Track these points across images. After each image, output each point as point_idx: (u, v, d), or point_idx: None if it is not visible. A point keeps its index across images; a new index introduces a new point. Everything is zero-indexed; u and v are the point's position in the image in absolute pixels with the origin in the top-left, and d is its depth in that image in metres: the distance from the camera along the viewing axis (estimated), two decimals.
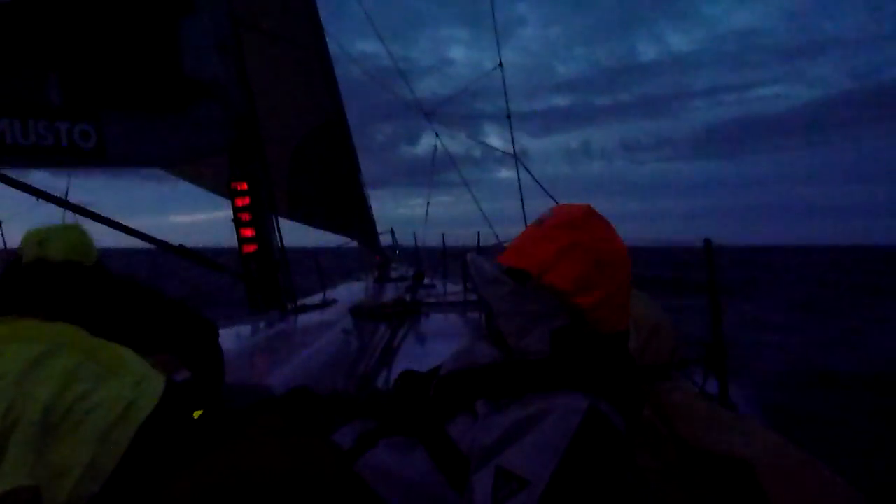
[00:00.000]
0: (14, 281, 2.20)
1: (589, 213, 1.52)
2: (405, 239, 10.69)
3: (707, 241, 2.48)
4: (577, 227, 1.48)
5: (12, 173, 3.90)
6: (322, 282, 7.38)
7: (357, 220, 9.14)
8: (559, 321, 1.44)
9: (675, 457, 1.83)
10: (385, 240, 9.98)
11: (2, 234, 5.87)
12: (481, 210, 7.36)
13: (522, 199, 5.76)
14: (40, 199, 4.42)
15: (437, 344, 3.99)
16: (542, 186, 5.52)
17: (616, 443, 1.25)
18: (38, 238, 1.94)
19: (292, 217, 8.35)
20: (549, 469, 1.16)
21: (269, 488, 1.09)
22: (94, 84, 4.22)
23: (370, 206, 9.32)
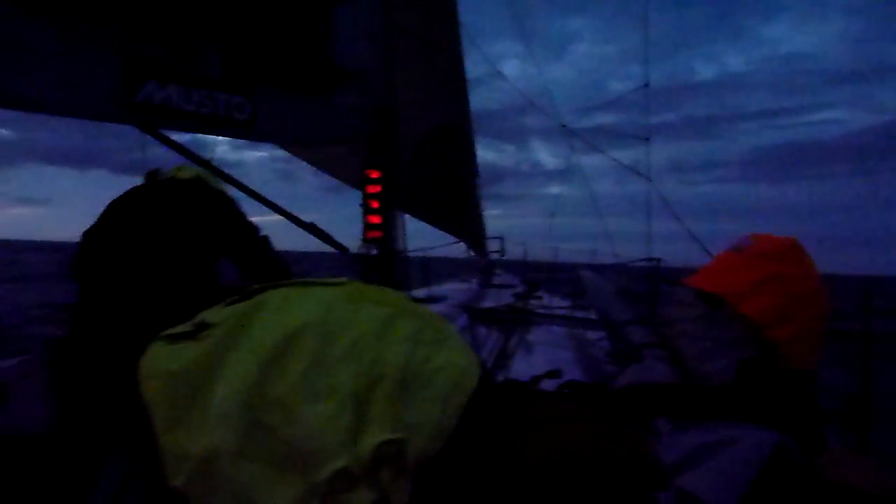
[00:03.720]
0: (152, 189, 3.33)
1: (794, 247, 1.49)
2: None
3: (868, 290, 2.38)
4: (780, 259, 1.45)
5: None
6: (427, 278, 7.49)
7: (468, 222, 9.22)
8: (747, 351, 1.42)
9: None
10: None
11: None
12: (605, 228, 7.26)
13: (650, 220, 5.67)
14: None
15: (549, 354, 3.99)
16: (676, 216, 5.43)
17: (800, 481, 1.23)
18: (176, 166, 2.74)
19: (405, 209, 8.53)
20: (733, 499, 1.15)
21: (601, 472, 1.10)
22: (250, 60, 4.43)
23: (482, 211, 9.40)
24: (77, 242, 3.28)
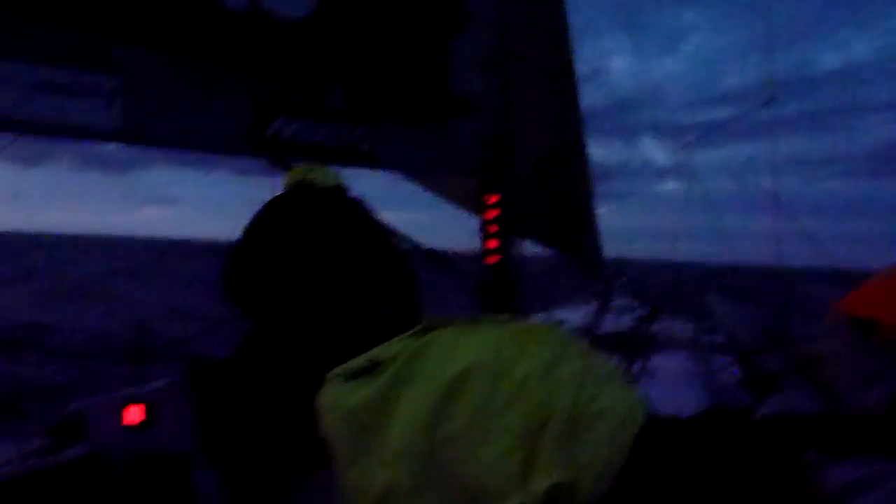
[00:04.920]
0: (296, 198, 3.00)
1: None
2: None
3: None
4: None
5: None
6: (545, 301, 7.45)
7: (585, 245, 9.11)
8: None
9: None
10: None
11: None
12: (722, 231, 6.99)
13: (779, 244, 5.45)
14: None
15: (674, 381, 3.88)
16: (806, 232, 5.19)
17: None
18: (305, 168, 2.92)
19: (520, 233, 8.52)
20: None
21: None
22: (372, 93, 4.60)
23: (600, 233, 9.26)
24: (227, 259, 3.22)
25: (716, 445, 1.25)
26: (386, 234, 3.53)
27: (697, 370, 4.39)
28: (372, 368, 1.20)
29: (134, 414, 2.92)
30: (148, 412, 2.92)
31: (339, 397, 1.20)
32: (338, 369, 1.24)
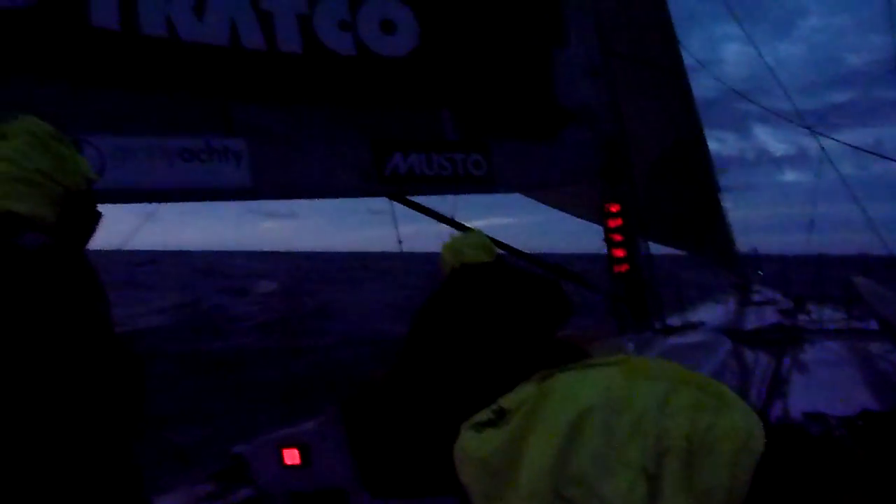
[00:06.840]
0: (462, 284, 3.11)
1: None
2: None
3: None
4: None
5: None
6: (681, 302, 7.25)
7: (714, 240, 8.81)
8: None
9: None
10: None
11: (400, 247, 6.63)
12: (870, 221, 6.53)
13: None
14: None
15: (830, 375, 3.69)
16: None
17: None
18: (454, 249, 2.92)
19: (647, 237, 8.32)
20: None
21: None
22: (481, 117, 4.66)
23: (729, 226, 8.94)
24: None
25: (863, 454, 1.21)
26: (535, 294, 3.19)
27: (853, 361, 4.14)
28: (499, 419, 1.30)
29: (293, 455, 3.08)
30: (305, 452, 3.07)
31: (472, 447, 1.30)
32: (469, 421, 1.34)
